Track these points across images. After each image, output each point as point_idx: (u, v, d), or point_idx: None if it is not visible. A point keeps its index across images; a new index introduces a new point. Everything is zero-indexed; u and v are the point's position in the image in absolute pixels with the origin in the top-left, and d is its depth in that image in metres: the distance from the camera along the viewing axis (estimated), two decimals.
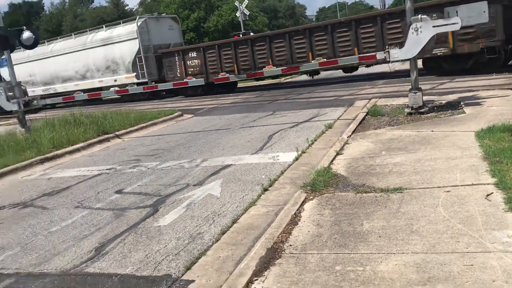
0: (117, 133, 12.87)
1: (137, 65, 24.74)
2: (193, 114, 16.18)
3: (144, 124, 14.00)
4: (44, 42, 29.71)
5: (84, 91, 27.49)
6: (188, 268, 4.18)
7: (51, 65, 28.82)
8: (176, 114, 15.68)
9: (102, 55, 26.25)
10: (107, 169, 8.94)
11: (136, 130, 13.54)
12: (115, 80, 26.15)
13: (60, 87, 29.18)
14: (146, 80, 24.71)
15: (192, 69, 23.37)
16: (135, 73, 25.07)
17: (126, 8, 66.34)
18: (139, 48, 24.54)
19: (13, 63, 25.49)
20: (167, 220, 5.56)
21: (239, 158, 8.25)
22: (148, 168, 8.53)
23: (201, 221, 5.38)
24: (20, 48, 25.40)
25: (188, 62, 23.39)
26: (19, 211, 6.90)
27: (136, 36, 24.62)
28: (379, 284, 3.27)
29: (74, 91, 27.89)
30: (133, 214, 5.96)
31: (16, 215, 6.70)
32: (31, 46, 12.85)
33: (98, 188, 7.61)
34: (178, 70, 23.81)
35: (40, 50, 27.95)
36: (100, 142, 12.10)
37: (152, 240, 5.00)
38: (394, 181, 5.45)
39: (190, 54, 23.41)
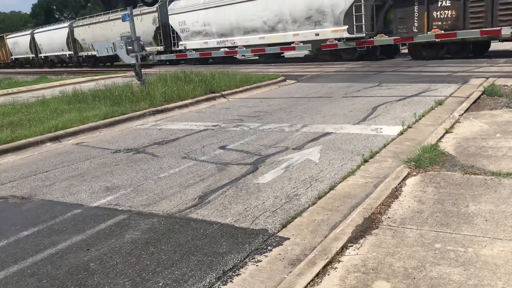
0: (223, 93, 13.34)
1: (353, 15, 20.33)
2: (296, 80, 16.21)
3: (248, 86, 14.33)
4: None
5: (270, 45, 24.38)
6: (283, 226, 4.32)
7: (231, 14, 25.50)
8: (280, 79, 15.81)
9: (302, 2, 22.29)
10: (212, 126, 9.36)
11: (241, 91, 13.92)
12: (317, 34, 22.21)
13: (239, 40, 25.85)
14: (363, 34, 20.46)
15: (440, 22, 18.16)
16: (347, 26, 20.93)
17: None
18: None
19: (185, 10, 27.58)
20: (266, 178, 5.75)
21: (340, 127, 8.18)
22: (250, 128, 8.79)
23: (299, 183, 5.48)
24: None
25: (434, 13, 18.26)
26: (132, 156, 7.54)
27: None
28: (481, 268, 3.14)
29: (258, 45, 24.91)
30: (235, 170, 6.23)
31: (130, 159, 7.33)
32: (152, 3, 13.57)
33: (203, 142, 8.02)
34: (416, 24, 18.80)
35: None
36: (207, 100, 12.64)
37: (251, 195, 5.22)
38: (508, 166, 5.09)
39: (440, 2, 18.12)
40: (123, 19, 13.45)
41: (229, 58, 28.51)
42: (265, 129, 8.60)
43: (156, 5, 29.42)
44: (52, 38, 41.85)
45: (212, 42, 27.17)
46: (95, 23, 36.89)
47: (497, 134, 6.47)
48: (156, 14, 30.46)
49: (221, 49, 26.60)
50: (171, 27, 29.46)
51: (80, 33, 38.56)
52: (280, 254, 3.81)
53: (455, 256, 3.33)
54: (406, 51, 21.39)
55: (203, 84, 13.42)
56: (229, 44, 26.17)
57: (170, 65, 29.81)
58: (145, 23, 30.93)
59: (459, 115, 7.84)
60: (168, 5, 29.64)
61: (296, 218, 4.49)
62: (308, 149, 6.97)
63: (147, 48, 30.47)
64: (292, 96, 12.58)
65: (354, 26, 20.52)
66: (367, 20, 20.50)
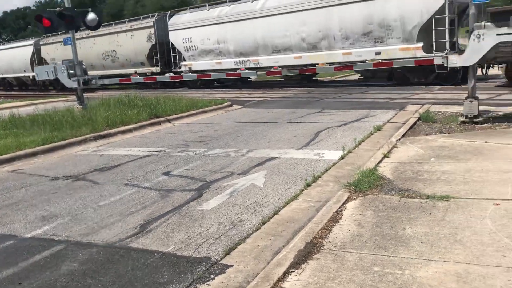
0: (168, 117, 13.22)
1: (433, 30, 16.14)
2: (242, 105, 16.35)
3: (194, 111, 14.30)
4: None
5: (311, 65, 20.50)
6: (227, 253, 4.29)
7: (256, 29, 21.67)
8: (226, 104, 15.90)
9: (359, 15, 18.27)
10: (156, 151, 9.22)
11: (187, 116, 13.85)
12: (378, 53, 18.54)
13: (266, 60, 21.95)
14: (444, 54, 15.42)
15: None
16: (421, 43, 17.39)
17: None
18: (443, 5, 15.89)
19: (192, 25, 24.60)
20: (210, 205, 5.70)
21: (284, 152, 8.30)
22: (196, 154, 8.73)
23: (243, 209, 5.48)
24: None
25: None
26: (72, 183, 7.26)
27: None
28: None
29: (289, 66, 21.16)
30: (178, 196, 6.14)
31: (69, 187, 7.06)
32: (95, 27, 13.36)
33: (146, 168, 7.87)
34: None
35: (239, 8, 22.49)
36: (151, 125, 12.47)
37: (194, 222, 5.15)
38: (441, 189, 5.34)
39: None
40: (65, 42, 13.14)
41: (239, 80, 25.64)
42: (210, 155, 8.58)
43: (153, 19, 26.93)
44: (11, 57, 37.07)
45: (227, 63, 23.47)
46: None
47: (431, 159, 6.79)
48: (152, 30, 26.90)
49: (237, 70, 23.22)
50: (172, 44, 25.88)
51: (49, 52, 34.25)
52: (223, 282, 3.77)
53: (393, 279, 3.43)
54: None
55: (148, 108, 13.26)
56: (251, 65, 22.54)
57: (161, 88, 26.49)
58: (136, 40, 27.75)
59: (396, 140, 8.18)
60: (169, 19, 26.15)
61: (239, 244, 4.48)
62: (253, 174, 7.01)
63: (138, 69, 28.19)
64: (239, 121, 12.67)
65: (434, 44, 16.05)
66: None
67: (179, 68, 25.71)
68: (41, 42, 35.22)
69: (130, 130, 11.71)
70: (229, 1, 23.63)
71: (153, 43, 26.77)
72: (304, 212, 5.21)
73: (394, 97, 15.22)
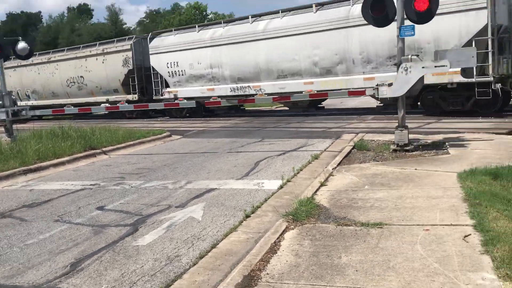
0: (104, 149, 12.81)
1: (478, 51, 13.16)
2: (181, 135, 16.21)
3: (131, 142, 13.98)
4: (246, 19, 21.36)
5: (320, 93, 18.57)
6: None
7: (258, 52, 20.14)
8: (165, 134, 15.69)
9: (385, 36, 15.78)
10: (90, 185, 8.87)
11: (124, 147, 13.50)
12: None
13: (270, 86, 20.24)
14: (490, 78, 15.07)
15: None
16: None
17: (124, 26, 66.99)
18: (485, 26, 15.03)
19: (179, 48, 22.60)
20: (146, 240, 5.52)
21: (224, 183, 8.26)
22: (132, 187, 8.49)
23: (180, 243, 5.35)
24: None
25: None
26: None
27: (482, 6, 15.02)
28: None
29: (296, 92, 19.07)
30: (113, 232, 5.90)
31: None
32: (26, 56, 12.88)
33: (79, 203, 7.54)
34: None
35: (236, 29, 21.28)
36: (86, 157, 12.02)
37: (129, 259, 4.95)
38: (375, 216, 5.50)
39: None
40: None
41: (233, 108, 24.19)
42: (147, 187, 8.37)
43: (130, 41, 24.91)
44: None
45: (222, 89, 21.62)
46: (27, 65, 29.50)
47: (365, 186, 7.00)
48: (129, 54, 24.88)
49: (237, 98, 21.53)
50: (153, 69, 23.98)
51: None
52: None
53: None
54: None
55: (82, 140, 12.80)
56: (251, 91, 20.85)
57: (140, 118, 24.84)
58: (110, 65, 25.58)
59: (332, 169, 8.38)
60: (149, 41, 24.26)
61: (176, 280, 4.34)
62: (191, 207, 6.89)
63: (111, 97, 25.82)
64: (177, 151, 12.51)
65: (474, 68, 13.37)
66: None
67: (162, 95, 23.80)
68: None
69: (63, 163, 11.22)
70: (223, 22, 22.76)
71: (130, 68, 24.81)
72: (243, 244, 5.16)
73: (330, 126, 15.69)
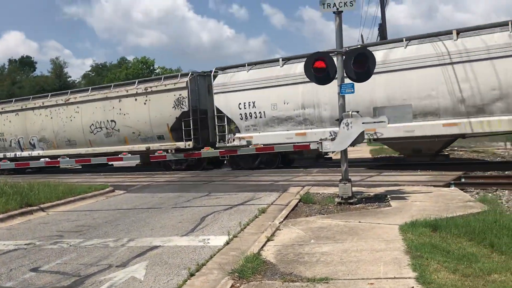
0: (41, 205, 12.17)
1: None
2: (125, 190, 15.76)
3: (72, 198, 13.39)
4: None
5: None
6: None
7: (375, 86, 15.85)
8: (108, 189, 15.19)
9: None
10: (25, 244, 8.33)
11: (63, 204, 12.89)
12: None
13: (393, 129, 15.52)
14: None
15: None
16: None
17: (69, 79, 66.09)
18: None
19: (255, 86, 18.96)
20: None
21: (168, 240, 8.01)
22: (70, 245, 8.05)
23: None
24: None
25: None
26: None
27: None
28: None
29: (433, 136, 16.06)
30: None
31: None
32: None
33: (11, 264, 7.02)
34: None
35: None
36: (21, 214, 11.35)
37: None
38: (321, 271, 5.48)
39: None
40: None
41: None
42: (87, 246, 7.97)
43: (186, 78, 21.05)
44: None
45: (318, 133, 17.75)
46: (34, 108, 25.17)
47: (311, 240, 7.02)
48: (183, 93, 20.93)
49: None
50: (219, 111, 20.56)
51: None
52: None
53: None
54: None
55: (19, 196, 12.13)
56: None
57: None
58: (155, 107, 21.57)
59: (279, 223, 8.37)
60: (213, 79, 20.83)
61: None
62: (133, 266, 6.59)
63: (153, 145, 21.90)
64: (120, 207, 12.10)
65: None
66: None
67: (229, 142, 20.33)
68: None
69: None
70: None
71: (185, 110, 20.85)
72: None
73: (277, 179, 15.83)
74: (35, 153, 25.91)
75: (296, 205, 10.25)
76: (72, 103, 24.27)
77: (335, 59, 9.95)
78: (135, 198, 13.71)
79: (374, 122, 9.62)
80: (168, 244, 7.73)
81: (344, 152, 10.11)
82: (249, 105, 19.71)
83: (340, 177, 10.17)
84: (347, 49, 10.13)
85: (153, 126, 21.91)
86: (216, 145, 20.73)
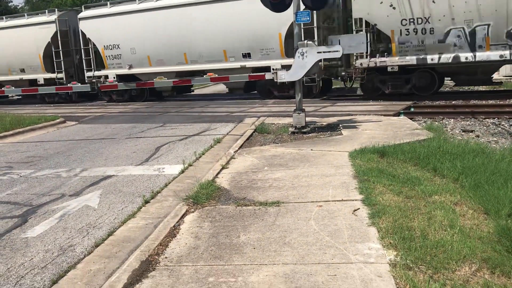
0: None
1: None
2: (77, 121, 15.36)
3: (20, 129, 12.96)
4: None
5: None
6: (54, 282, 3.92)
7: None
8: (58, 120, 14.77)
9: None
10: None
11: (11, 135, 12.49)
12: None
13: None
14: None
15: None
16: None
17: (10, 4, 61.44)
18: None
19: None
20: (36, 231, 5.18)
21: (122, 169, 7.99)
22: (21, 176, 7.89)
23: (74, 233, 5.09)
24: None
25: None
26: None
27: None
28: None
29: None
30: None
31: None
32: None
33: None
34: None
35: None
36: None
37: (16, 252, 4.62)
38: (273, 195, 5.67)
39: None
40: None
41: None
42: (38, 176, 7.83)
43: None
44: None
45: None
46: None
47: (265, 167, 7.18)
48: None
49: None
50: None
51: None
52: None
53: (227, 287, 3.49)
54: None
55: None
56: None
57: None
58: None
59: (234, 152, 8.47)
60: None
61: (69, 271, 4.13)
62: (87, 195, 6.58)
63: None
64: (72, 138, 11.84)
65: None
66: None
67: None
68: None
69: None
70: None
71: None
72: (141, 230, 5.04)
73: (233, 110, 15.81)
74: None
75: (251, 135, 10.35)
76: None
77: None
78: (88, 129, 13.42)
79: (329, 52, 9.61)
80: (122, 173, 7.72)
81: (299, 82, 10.14)
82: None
83: (294, 108, 10.27)
84: None
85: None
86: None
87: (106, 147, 10.27)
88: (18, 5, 67.23)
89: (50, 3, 49.18)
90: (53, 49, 21.92)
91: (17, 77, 23.50)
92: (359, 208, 4.99)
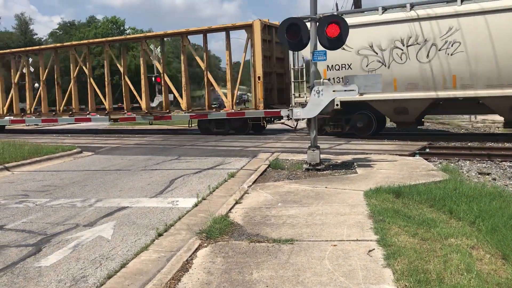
0: (6, 165, 11.93)
1: None
2: (93, 152, 15.56)
3: (38, 158, 13.15)
4: None
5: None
6: None
7: None
8: (75, 150, 14.97)
9: None
10: None
11: (29, 164, 12.67)
12: None
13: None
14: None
15: None
16: None
17: (35, 37, 63.65)
18: None
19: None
20: (49, 260, 5.19)
21: (137, 201, 8.03)
22: (36, 205, 7.97)
23: (87, 263, 5.09)
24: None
25: None
26: None
27: None
28: None
29: None
30: (12, 253, 5.48)
31: None
32: None
33: None
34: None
35: None
36: None
37: (29, 281, 4.62)
38: (286, 232, 5.63)
39: None
40: None
41: None
42: (54, 205, 7.90)
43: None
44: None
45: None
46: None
47: (278, 204, 7.16)
48: None
49: None
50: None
51: None
52: None
53: None
54: None
55: None
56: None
57: None
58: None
59: (247, 187, 8.48)
60: None
61: None
62: (101, 225, 6.60)
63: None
64: (88, 169, 11.97)
65: None
66: None
67: None
68: None
69: None
70: None
71: None
72: (154, 263, 5.02)
73: (247, 145, 15.91)
74: None
75: (265, 170, 10.38)
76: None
77: (308, 25, 9.91)
78: (104, 160, 13.58)
79: (345, 91, 9.71)
80: (136, 205, 7.75)
81: (314, 120, 10.22)
82: None
83: (309, 145, 10.31)
84: (321, 16, 10.09)
85: None
86: None
87: (121, 178, 10.36)
88: (42, 38, 69.50)
89: (73, 37, 50.73)
90: None
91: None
92: (374, 249, 4.93)
